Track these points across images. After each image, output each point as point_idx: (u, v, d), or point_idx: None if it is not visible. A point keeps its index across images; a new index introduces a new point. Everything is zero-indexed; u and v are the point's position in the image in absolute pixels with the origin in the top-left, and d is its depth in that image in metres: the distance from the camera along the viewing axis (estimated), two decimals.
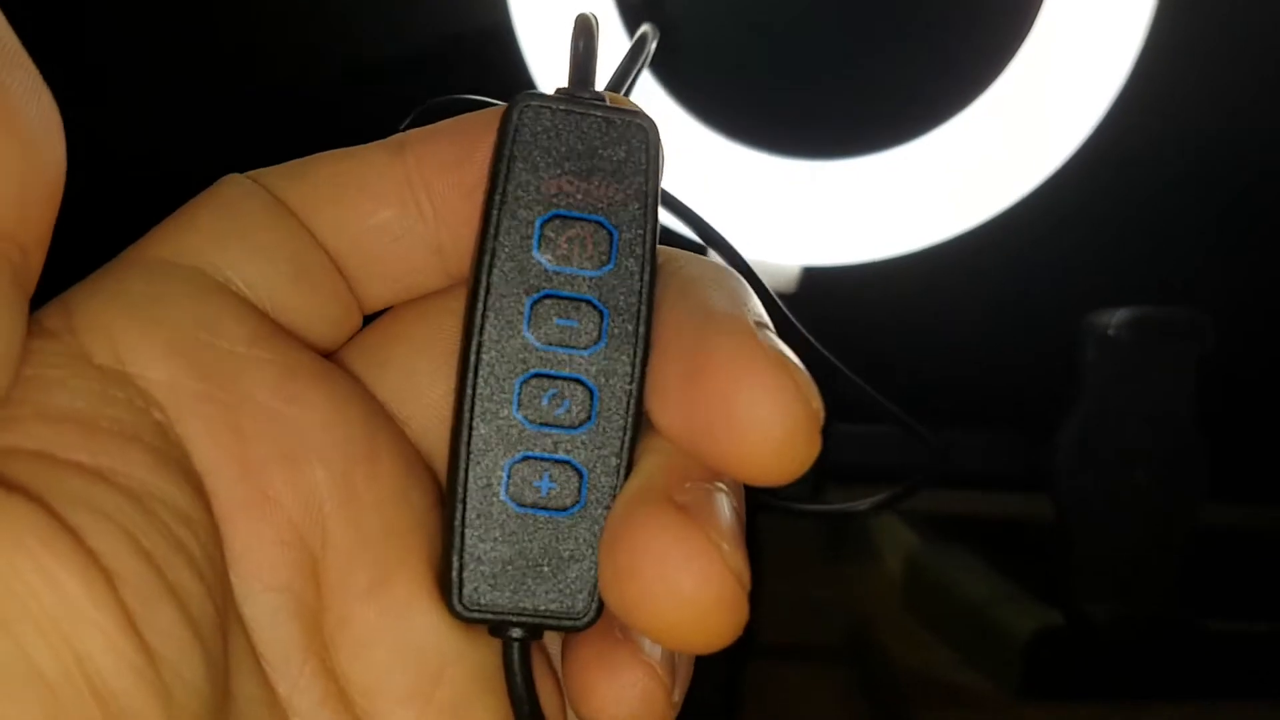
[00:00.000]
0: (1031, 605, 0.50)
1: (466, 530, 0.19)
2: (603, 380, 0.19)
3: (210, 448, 0.17)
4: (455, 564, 0.19)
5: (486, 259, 0.18)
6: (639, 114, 0.19)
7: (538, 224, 0.19)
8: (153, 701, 0.15)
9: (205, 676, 0.16)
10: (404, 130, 0.20)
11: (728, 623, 0.17)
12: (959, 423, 0.50)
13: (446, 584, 0.19)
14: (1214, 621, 0.52)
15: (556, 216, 0.19)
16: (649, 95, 0.46)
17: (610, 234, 0.19)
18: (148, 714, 0.15)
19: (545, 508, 0.19)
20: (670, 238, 0.20)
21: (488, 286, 0.18)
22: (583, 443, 0.19)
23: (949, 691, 0.51)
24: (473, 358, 0.18)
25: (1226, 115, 0.49)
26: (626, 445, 0.19)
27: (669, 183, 0.20)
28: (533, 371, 0.19)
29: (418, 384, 0.20)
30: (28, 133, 0.15)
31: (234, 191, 0.19)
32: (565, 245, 0.19)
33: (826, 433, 0.18)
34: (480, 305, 0.18)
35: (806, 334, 0.26)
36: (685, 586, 0.17)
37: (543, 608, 0.19)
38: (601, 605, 0.19)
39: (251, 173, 0.19)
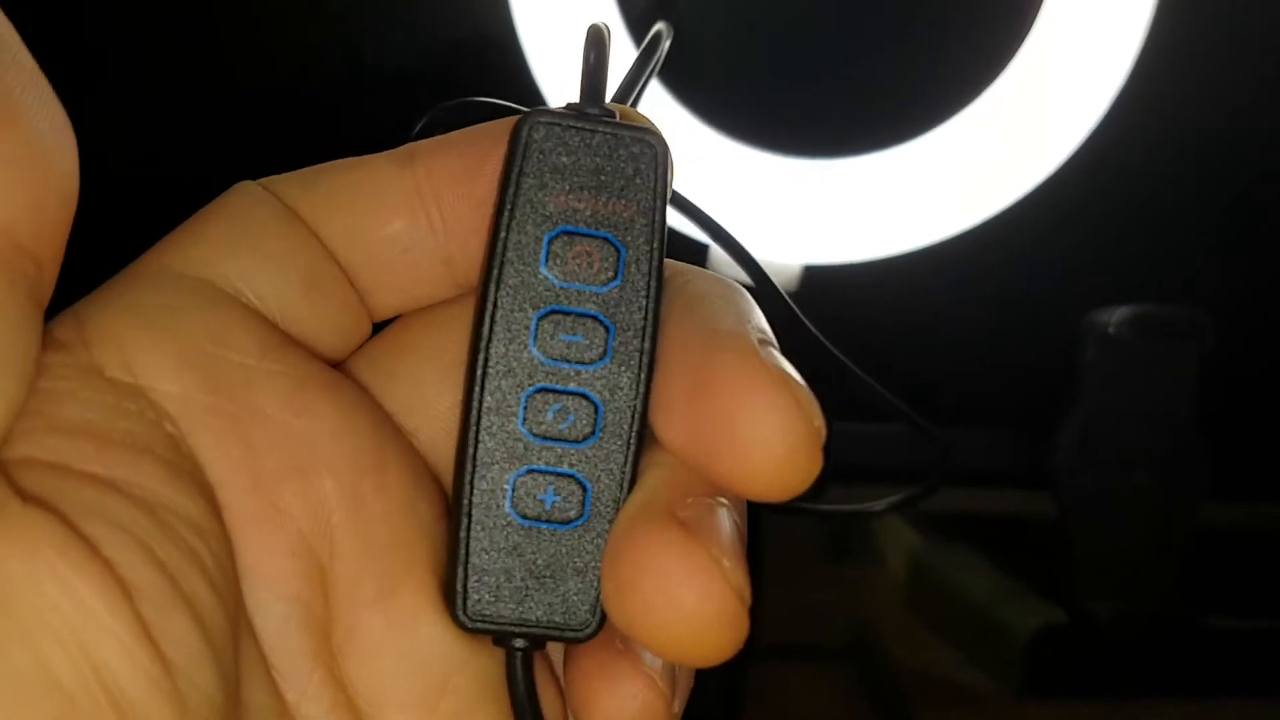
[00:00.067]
0: (1033, 604, 0.51)
1: (471, 542, 0.19)
2: (607, 395, 0.19)
3: (221, 461, 0.17)
4: (460, 576, 0.19)
5: (494, 274, 0.19)
6: (649, 130, 0.19)
7: (545, 240, 0.19)
8: (168, 710, 0.15)
9: (218, 685, 0.16)
10: (416, 135, 0.20)
11: (728, 638, 0.17)
12: (960, 421, 0.50)
13: (451, 595, 0.19)
14: (1215, 619, 0.52)
15: (564, 233, 0.19)
16: (651, 94, 0.46)
17: (618, 250, 0.19)
18: None
19: (549, 521, 0.19)
20: (678, 236, 0.20)
21: (495, 302, 0.19)
22: (587, 457, 0.19)
23: (951, 690, 0.51)
24: (479, 372, 0.19)
25: (1226, 115, 0.49)
26: (630, 460, 0.19)
27: (673, 182, 0.20)
28: (538, 386, 0.19)
29: (425, 395, 0.20)
30: (43, 150, 0.15)
31: (245, 201, 0.19)
32: (572, 261, 0.19)
33: (829, 435, 0.18)
34: (487, 320, 0.19)
35: (816, 332, 0.26)
36: (686, 602, 0.17)
37: (545, 619, 0.19)
38: (604, 617, 0.19)
39: (263, 180, 0.19)
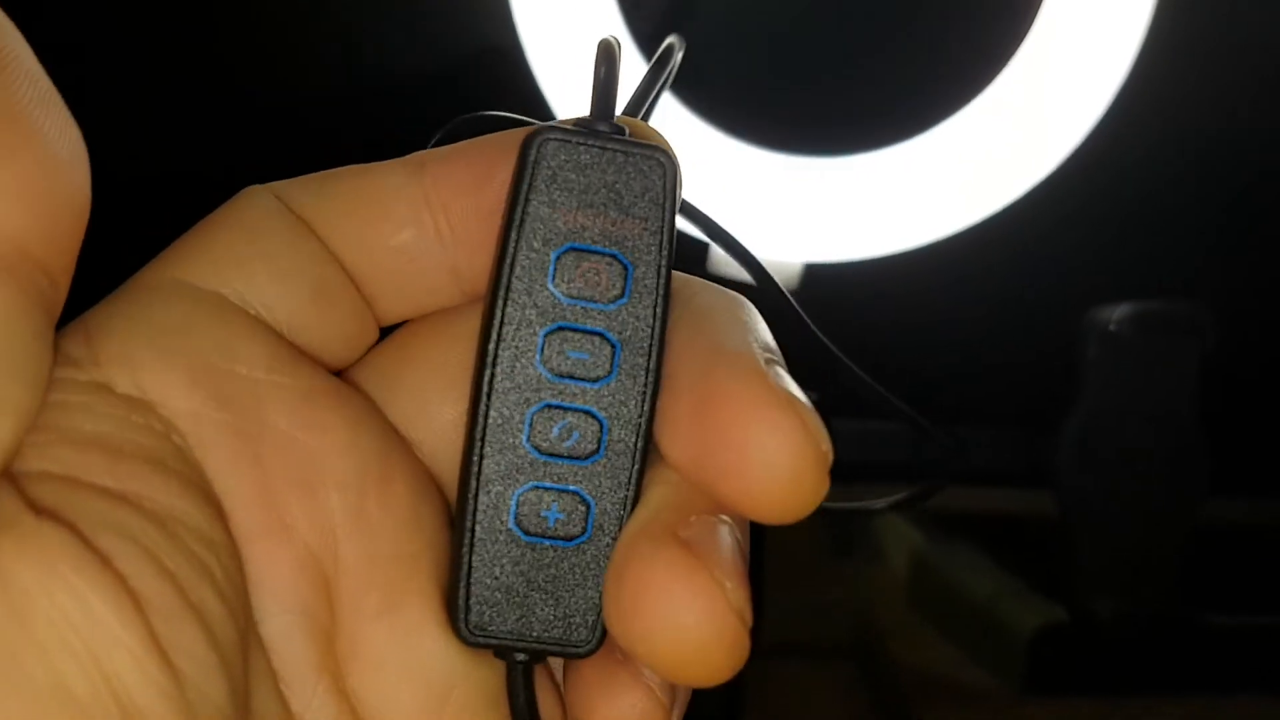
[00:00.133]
0: (1035, 602, 0.51)
1: (474, 557, 0.19)
2: (613, 413, 0.19)
3: (230, 475, 0.17)
4: (462, 590, 0.19)
5: (502, 291, 0.19)
6: (658, 149, 0.19)
7: (553, 256, 0.19)
8: None
9: (228, 696, 0.16)
10: (431, 147, 0.20)
11: (728, 659, 0.17)
12: (962, 419, 0.50)
13: (454, 609, 0.19)
14: (1217, 617, 0.52)
15: (572, 249, 0.19)
16: None
17: (625, 268, 0.19)
18: None
19: (552, 537, 0.19)
20: (679, 235, 0.20)
21: (502, 318, 0.19)
22: (591, 474, 0.19)
23: (953, 688, 0.51)
24: (485, 387, 0.19)
25: (1226, 113, 0.49)
26: (634, 478, 0.19)
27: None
28: (544, 403, 0.19)
29: (429, 407, 0.20)
30: (57, 165, 0.15)
31: (254, 209, 0.19)
32: (580, 278, 0.19)
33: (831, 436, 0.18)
34: (494, 336, 0.19)
35: (821, 336, 0.26)
36: (687, 623, 0.17)
37: (546, 634, 0.19)
38: (604, 633, 0.19)
39: (271, 186, 0.19)
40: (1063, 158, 0.46)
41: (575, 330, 0.19)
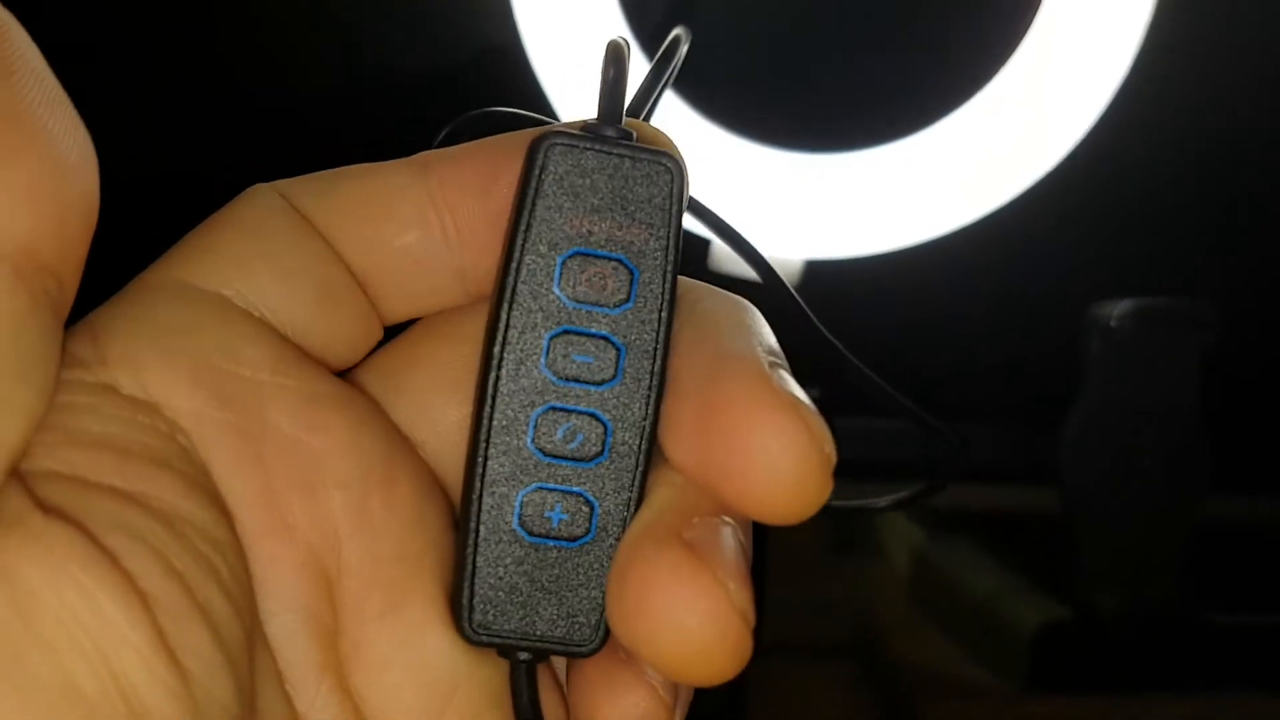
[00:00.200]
0: (1037, 599, 0.51)
1: (478, 558, 0.19)
2: (617, 416, 0.19)
3: (233, 476, 0.18)
4: (466, 590, 0.19)
5: (507, 294, 0.19)
6: (665, 153, 0.19)
7: (559, 261, 0.19)
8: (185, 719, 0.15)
9: (234, 695, 0.16)
10: (437, 146, 0.20)
11: (731, 660, 0.17)
12: (963, 416, 0.50)
13: (458, 609, 0.19)
14: (1218, 614, 0.52)
15: (578, 254, 0.19)
16: None
17: (631, 273, 0.19)
18: None
19: (556, 538, 0.19)
20: (684, 234, 0.20)
21: (508, 321, 0.19)
22: (595, 476, 0.19)
23: (954, 686, 0.51)
24: (490, 389, 0.19)
25: (1226, 110, 0.49)
26: (638, 480, 0.19)
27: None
28: (549, 405, 0.19)
29: (433, 408, 0.20)
30: (65, 168, 0.15)
31: (260, 209, 0.19)
32: (586, 283, 0.19)
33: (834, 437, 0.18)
34: (500, 339, 0.19)
35: (827, 333, 0.26)
36: (690, 624, 0.17)
37: (550, 634, 0.19)
38: (607, 633, 0.19)
39: (276, 184, 0.19)
40: (1064, 154, 0.46)
41: (580, 334, 0.19)
